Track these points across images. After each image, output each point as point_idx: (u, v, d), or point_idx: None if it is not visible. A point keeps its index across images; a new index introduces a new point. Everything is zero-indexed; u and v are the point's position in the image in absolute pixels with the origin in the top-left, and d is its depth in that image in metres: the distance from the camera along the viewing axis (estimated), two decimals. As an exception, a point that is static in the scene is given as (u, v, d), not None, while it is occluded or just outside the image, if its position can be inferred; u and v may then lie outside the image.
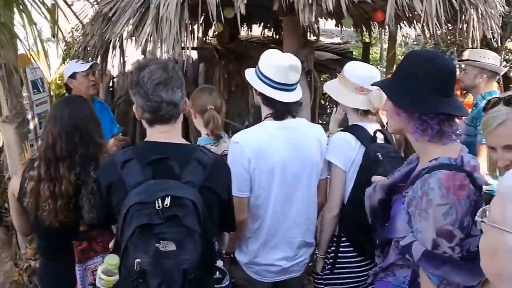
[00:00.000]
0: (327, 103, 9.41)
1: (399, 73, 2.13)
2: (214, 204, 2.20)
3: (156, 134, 2.19)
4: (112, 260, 2.01)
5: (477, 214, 1.25)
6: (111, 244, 2.24)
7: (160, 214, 1.91)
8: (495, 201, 1.21)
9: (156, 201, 1.92)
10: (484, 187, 4.31)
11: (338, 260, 2.98)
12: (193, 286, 1.97)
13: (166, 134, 2.19)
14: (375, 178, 2.39)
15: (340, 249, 2.97)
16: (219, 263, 2.27)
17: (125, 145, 4.01)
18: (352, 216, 2.87)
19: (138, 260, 1.89)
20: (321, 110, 9.11)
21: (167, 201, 1.92)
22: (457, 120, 2.08)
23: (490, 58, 4.23)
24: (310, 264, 3.16)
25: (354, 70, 3.02)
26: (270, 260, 2.85)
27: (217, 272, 2.25)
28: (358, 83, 2.93)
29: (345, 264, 2.99)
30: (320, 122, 8.84)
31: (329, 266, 2.99)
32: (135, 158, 2.10)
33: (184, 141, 2.27)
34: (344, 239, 2.97)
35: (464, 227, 1.86)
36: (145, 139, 2.26)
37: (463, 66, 4.33)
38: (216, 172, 2.19)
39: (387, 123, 2.80)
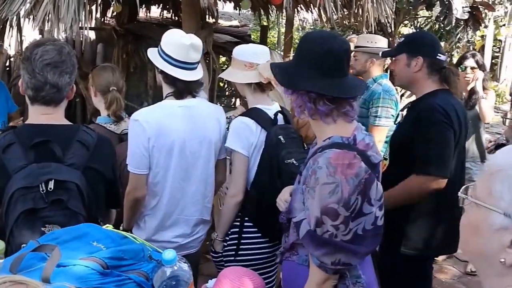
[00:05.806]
0: (225, 86, 9.51)
1: (296, 54, 2.11)
2: (99, 184, 2.23)
3: (37, 115, 2.18)
4: None
5: (460, 191, 1.21)
6: None
7: (44, 198, 1.92)
8: (482, 179, 1.16)
9: (40, 185, 1.92)
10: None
11: (242, 241, 2.98)
12: None
13: (48, 116, 2.18)
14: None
15: (244, 229, 2.98)
16: None
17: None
18: (256, 199, 2.89)
19: (24, 244, 1.86)
20: (219, 92, 9.20)
21: (51, 184, 1.93)
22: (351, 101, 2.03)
23: (378, 42, 4.40)
24: (208, 243, 3.21)
25: (240, 49, 3.07)
26: (167, 237, 2.86)
27: None
28: (246, 59, 2.95)
29: (250, 245, 2.99)
30: (219, 104, 8.95)
31: (234, 247, 2.98)
32: (17, 142, 2.06)
33: (66, 122, 2.26)
34: (247, 220, 2.97)
35: (351, 205, 1.84)
36: (26, 122, 2.22)
37: (353, 53, 4.51)
38: (99, 152, 2.22)
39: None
